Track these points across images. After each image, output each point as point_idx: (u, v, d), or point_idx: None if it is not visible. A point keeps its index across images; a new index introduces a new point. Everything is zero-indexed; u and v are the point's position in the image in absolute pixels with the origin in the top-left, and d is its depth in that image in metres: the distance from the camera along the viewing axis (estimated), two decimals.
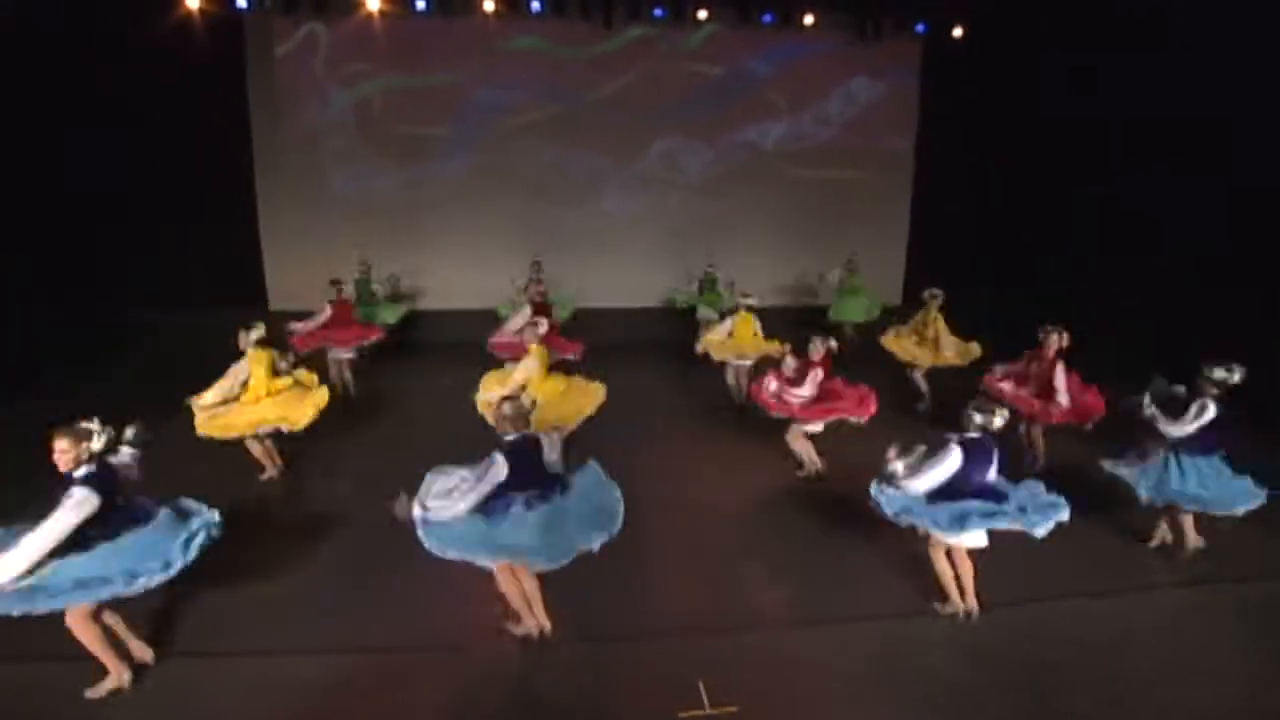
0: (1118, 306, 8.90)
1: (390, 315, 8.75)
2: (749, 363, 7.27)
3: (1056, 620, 4.20)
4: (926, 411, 7.28)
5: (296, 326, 7.53)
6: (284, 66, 9.58)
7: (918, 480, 3.94)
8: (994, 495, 3.98)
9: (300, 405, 5.52)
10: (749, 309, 7.37)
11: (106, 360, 8.86)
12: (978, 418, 3.94)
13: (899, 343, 7.47)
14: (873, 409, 5.70)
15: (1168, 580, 4.60)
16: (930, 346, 7.34)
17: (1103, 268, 9.29)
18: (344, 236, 9.85)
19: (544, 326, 6.18)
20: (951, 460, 3.89)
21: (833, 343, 5.84)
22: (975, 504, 3.90)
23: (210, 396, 5.46)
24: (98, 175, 8.75)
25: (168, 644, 3.87)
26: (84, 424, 3.32)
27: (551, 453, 3.90)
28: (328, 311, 7.62)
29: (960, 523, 3.87)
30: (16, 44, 7.80)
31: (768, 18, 9.64)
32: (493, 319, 7.90)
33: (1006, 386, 5.93)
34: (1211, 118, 7.74)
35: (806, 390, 5.65)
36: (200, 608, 4.18)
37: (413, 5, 9.07)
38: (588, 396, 5.71)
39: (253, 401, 5.48)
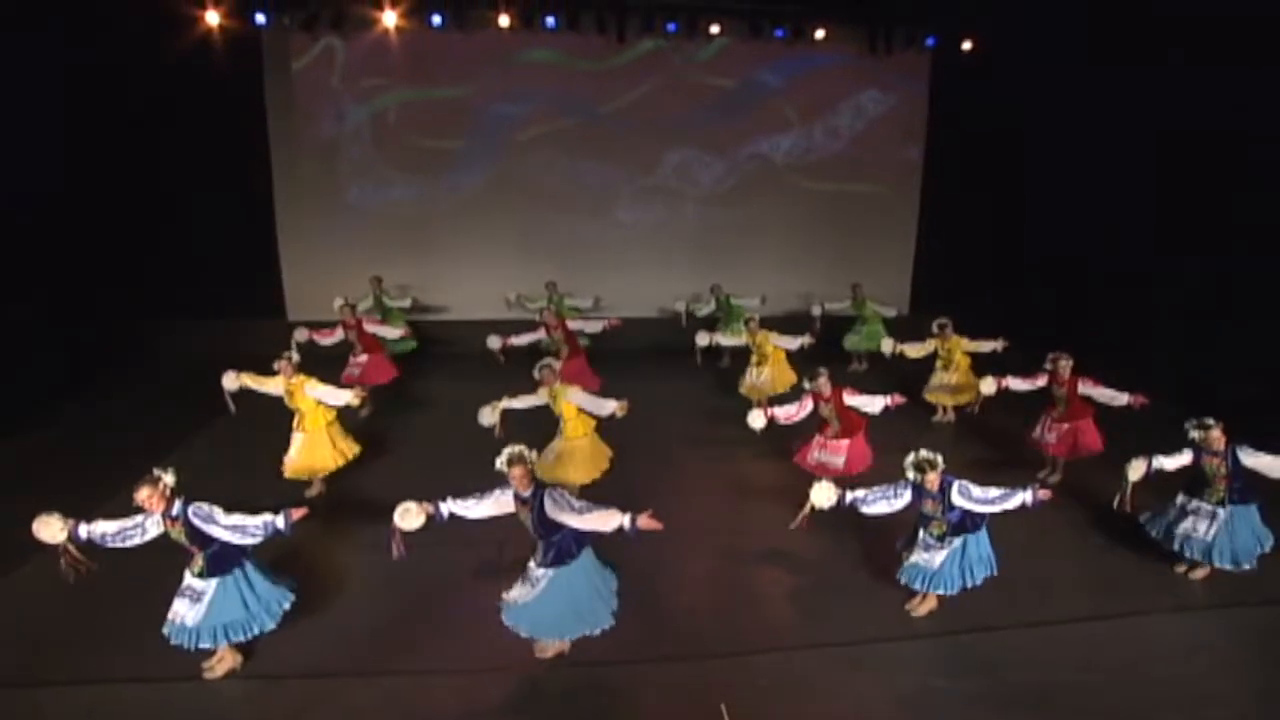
0: (1128, 318, 9.05)
1: (398, 321, 9.00)
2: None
3: (1067, 643, 4.36)
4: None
5: (319, 339, 7.71)
6: (301, 80, 9.71)
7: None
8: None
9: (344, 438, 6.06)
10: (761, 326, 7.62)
11: (129, 369, 9.07)
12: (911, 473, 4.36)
13: (939, 396, 7.65)
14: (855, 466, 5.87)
15: (1176, 605, 4.75)
16: (963, 377, 7.51)
17: (1111, 278, 9.42)
18: (361, 248, 10.03)
19: (558, 364, 6.30)
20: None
21: (823, 379, 5.87)
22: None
23: (246, 379, 5.96)
24: (119, 186, 8.90)
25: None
26: (148, 475, 3.64)
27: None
28: (339, 333, 7.77)
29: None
30: (39, 58, 7.94)
31: (779, 32, 9.75)
32: (503, 328, 7.91)
33: (1051, 439, 6.20)
34: (1219, 127, 7.83)
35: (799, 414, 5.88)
36: None
37: (429, 21, 9.18)
38: (600, 462, 5.90)
39: (316, 434, 5.90)
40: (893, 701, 3.95)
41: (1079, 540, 5.46)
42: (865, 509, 4.40)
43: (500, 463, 3.95)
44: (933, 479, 4.26)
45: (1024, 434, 6.45)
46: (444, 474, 5.33)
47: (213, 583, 3.88)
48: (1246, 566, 4.71)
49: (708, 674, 4.10)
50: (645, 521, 3.83)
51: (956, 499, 4.26)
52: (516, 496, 3.99)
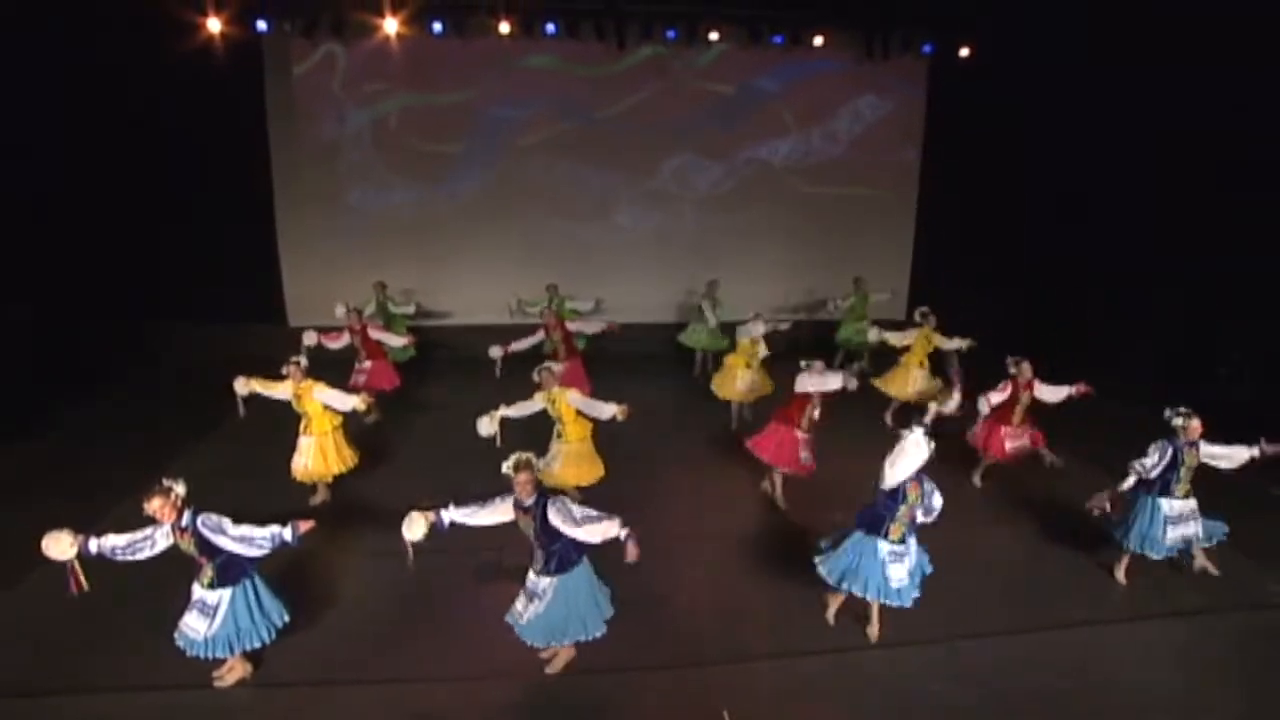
0: (1128, 318, 9.06)
1: (401, 327, 9.02)
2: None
3: (1062, 648, 4.39)
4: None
5: (327, 342, 7.72)
6: (302, 85, 9.74)
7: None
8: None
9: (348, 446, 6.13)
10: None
11: (129, 372, 9.08)
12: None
13: (892, 384, 7.73)
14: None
15: (1170, 609, 4.77)
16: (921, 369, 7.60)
17: (1111, 278, 9.42)
18: (361, 251, 10.06)
19: (559, 367, 6.32)
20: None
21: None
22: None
23: (256, 384, 5.97)
24: (119, 187, 8.91)
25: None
26: (159, 485, 3.67)
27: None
28: (346, 337, 7.79)
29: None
30: (39, 58, 7.98)
31: (777, 38, 9.76)
32: (503, 334, 7.81)
33: (1012, 445, 6.26)
34: (1219, 127, 7.84)
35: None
36: None
37: (429, 28, 9.21)
38: (596, 468, 5.91)
39: (322, 439, 5.92)
40: (892, 706, 3.97)
41: (1073, 545, 5.46)
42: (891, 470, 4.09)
43: (506, 467, 3.96)
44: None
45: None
46: (446, 478, 5.37)
47: (224, 593, 3.90)
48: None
49: (708, 679, 4.13)
50: (631, 549, 3.85)
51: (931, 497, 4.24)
52: (517, 504, 3.99)
